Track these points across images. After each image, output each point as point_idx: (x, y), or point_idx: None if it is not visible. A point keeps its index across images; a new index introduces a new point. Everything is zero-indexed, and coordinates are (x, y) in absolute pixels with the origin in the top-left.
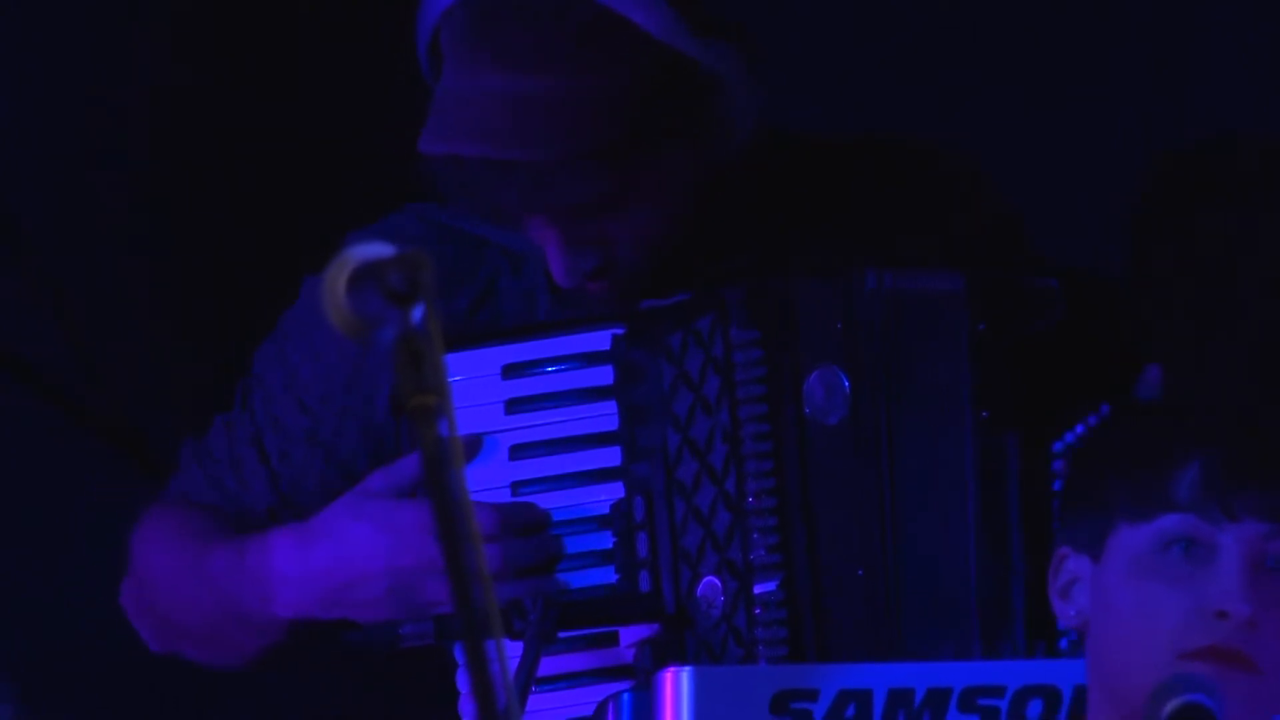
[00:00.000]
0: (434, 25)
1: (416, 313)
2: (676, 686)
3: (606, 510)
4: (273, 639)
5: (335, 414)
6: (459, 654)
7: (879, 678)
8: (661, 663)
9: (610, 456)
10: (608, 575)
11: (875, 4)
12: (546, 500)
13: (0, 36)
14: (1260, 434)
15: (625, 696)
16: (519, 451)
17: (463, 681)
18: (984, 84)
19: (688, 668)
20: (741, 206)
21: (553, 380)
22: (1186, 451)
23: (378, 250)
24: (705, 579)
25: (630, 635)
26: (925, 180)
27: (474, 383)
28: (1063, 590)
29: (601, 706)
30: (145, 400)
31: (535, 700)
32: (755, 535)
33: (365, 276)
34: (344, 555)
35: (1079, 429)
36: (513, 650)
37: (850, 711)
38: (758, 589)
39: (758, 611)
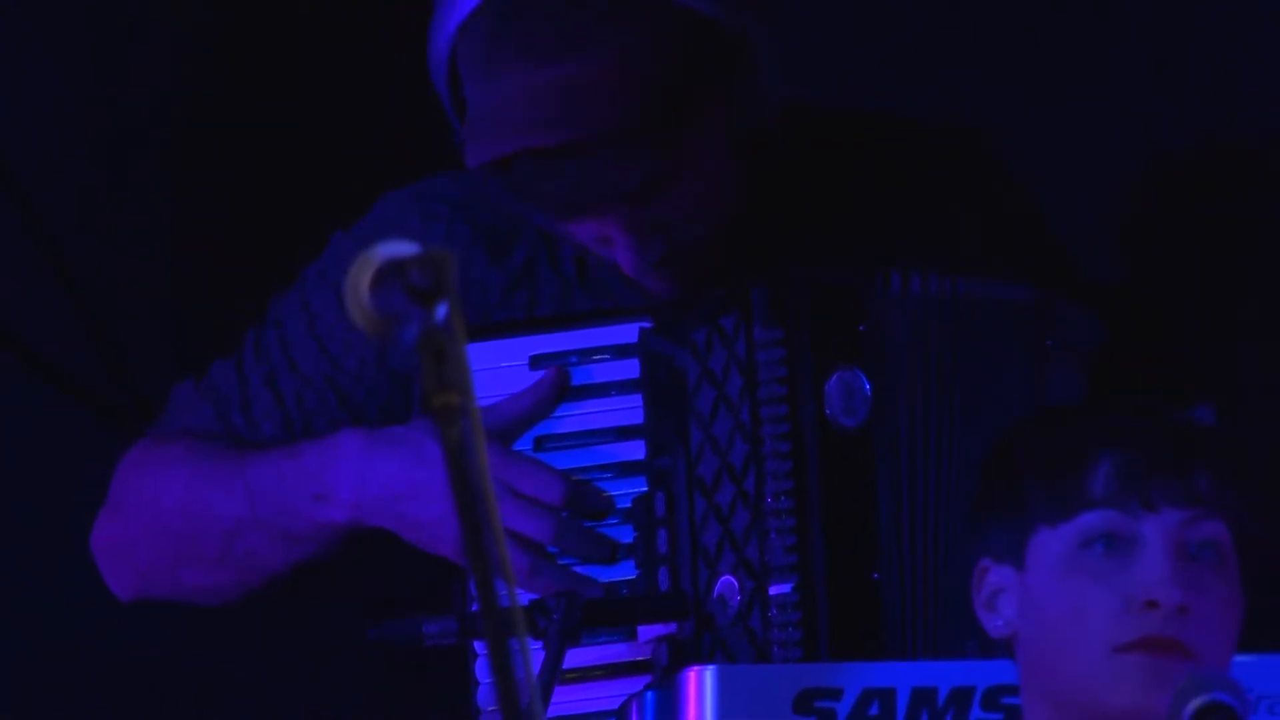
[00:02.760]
0: (449, 44)
1: (440, 310)
2: (700, 685)
3: (628, 504)
4: (301, 554)
5: (356, 359)
6: (481, 648)
7: (903, 676)
8: (678, 660)
9: (635, 450)
10: (627, 570)
11: (875, 4)
12: None
13: (4, 37)
14: (1172, 424)
15: (649, 695)
16: (544, 443)
17: (483, 671)
18: (984, 84)
19: (711, 666)
20: (790, 192)
21: (580, 372)
22: (1099, 448)
23: (401, 248)
24: (722, 578)
25: (648, 631)
26: (974, 173)
27: (501, 373)
28: (987, 602)
29: (625, 705)
30: (146, 397)
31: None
32: (772, 536)
33: (388, 275)
34: (410, 464)
35: None
36: (534, 646)
37: (874, 710)
38: (773, 590)
39: (773, 613)
